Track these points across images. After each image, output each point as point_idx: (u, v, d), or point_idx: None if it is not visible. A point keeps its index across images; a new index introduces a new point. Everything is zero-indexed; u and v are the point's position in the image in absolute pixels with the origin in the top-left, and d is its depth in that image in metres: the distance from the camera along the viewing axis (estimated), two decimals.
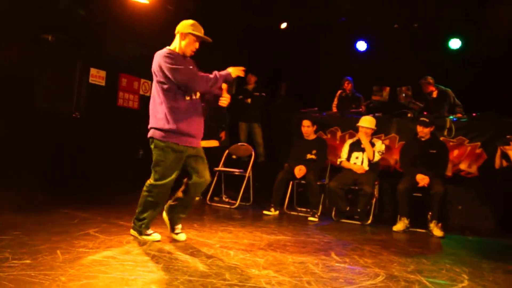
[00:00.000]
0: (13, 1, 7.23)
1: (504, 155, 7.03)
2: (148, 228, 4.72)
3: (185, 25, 4.65)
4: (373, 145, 7.54)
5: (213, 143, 8.32)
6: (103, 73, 9.00)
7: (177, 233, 4.86)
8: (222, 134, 8.54)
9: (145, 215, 4.66)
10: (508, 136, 7.02)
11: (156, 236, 4.70)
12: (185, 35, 4.62)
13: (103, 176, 8.67)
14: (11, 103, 7.34)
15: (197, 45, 4.66)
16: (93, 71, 8.80)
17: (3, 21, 7.16)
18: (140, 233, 4.68)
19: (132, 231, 4.76)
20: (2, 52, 7.29)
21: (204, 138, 8.29)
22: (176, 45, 4.69)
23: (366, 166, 7.47)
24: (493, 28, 9.29)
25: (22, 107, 7.55)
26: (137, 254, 4.05)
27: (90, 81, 8.76)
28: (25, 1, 7.36)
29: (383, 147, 7.56)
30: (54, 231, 4.66)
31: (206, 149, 8.22)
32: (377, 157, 7.46)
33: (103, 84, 9.04)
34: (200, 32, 4.64)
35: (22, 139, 7.41)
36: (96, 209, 6.18)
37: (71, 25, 8.28)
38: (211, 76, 4.55)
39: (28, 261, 3.53)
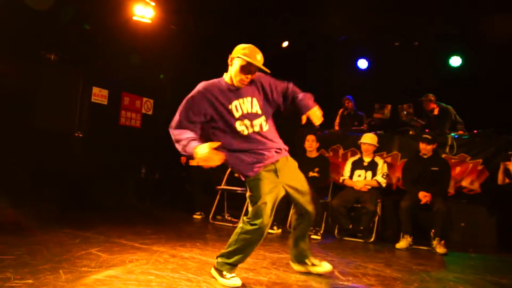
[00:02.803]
0: (14, 19, 7.28)
1: (506, 171, 7.02)
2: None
3: (236, 49, 3.98)
4: (375, 163, 7.56)
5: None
6: (105, 92, 9.06)
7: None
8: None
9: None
10: (509, 152, 7.01)
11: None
12: (233, 59, 3.97)
13: (105, 195, 8.68)
14: (13, 122, 7.37)
15: (249, 76, 3.97)
16: (95, 90, 8.85)
17: (5, 39, 7.21)
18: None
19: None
20: (3, 71, 7.33)
21: None
22: (229, 72, 4.07)
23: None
24: (493, 45, 9.33)
25: (24, 126, 7.58)
26: (140, 274, 4.04)
27: (92, 100, 8.81)
28: (27, 20, 7.41)
29: (385, 167, 7.56)
30: (56, 251, 4.66)
31: (208, 168, 8.34)
32: (384, 182, 7.48)
33: (105, 103, 9.09)
34: (252, 57, 3.91)
35: (24, 158, 7.43)
36: (98, 228, 6.17)
37: (73, 44, 8.34)
38: (183, 142, 3.82)
39: (30, 281, 3.53)
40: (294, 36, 11.09)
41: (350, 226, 7.27)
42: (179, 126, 3.89)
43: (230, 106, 3.96)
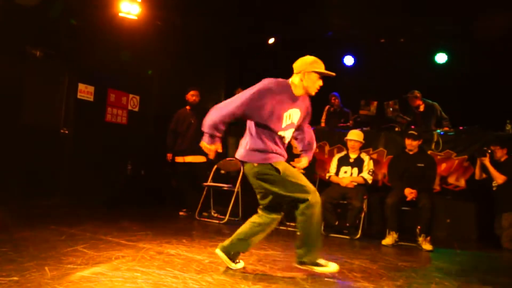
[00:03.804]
0: None
1: (483, 166, 7.09)
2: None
3: (305, 63, 4.51)
4: (361, 160, 7.58)
5: (201, 158, 8.31)
6: (91, 88, 8.99)
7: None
8: None
9: None
10: (485, 148, 7.08)
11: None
12: (305, 73, 4.41)
13: (91, 191, 8.64)
14: None
15: (320, 82, 4.53)
16: (81, 86, 8.79)
17: None
18: None
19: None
20: None
21: (191, 154, 8.36)
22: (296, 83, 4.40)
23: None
24: (478, 42, 9.39)
25: (9, 123, 7.51)
26: (126, 270, 4.02)
27: (78, 96, 8.74)
28: (12, 15, 7.34)
29: (371, 164, 7.58)
30: (42, 248, 4.63)
31: (194, 165, 8.32)
32: (370, 179, 7.50)
33: (92, 99, 9.02)
34: (322, 68, 4.52)
35: (8, 155, 7.37)
36: (84, 225, 6.13)
37: (59, 40, 8.28)
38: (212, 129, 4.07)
39: (15, 278, 3.50)
40: (280, 32, 11.09)
41: (336, 223, 7.28)
42: (229, 116, 4.07)
43: (285, 114, 4.19)
